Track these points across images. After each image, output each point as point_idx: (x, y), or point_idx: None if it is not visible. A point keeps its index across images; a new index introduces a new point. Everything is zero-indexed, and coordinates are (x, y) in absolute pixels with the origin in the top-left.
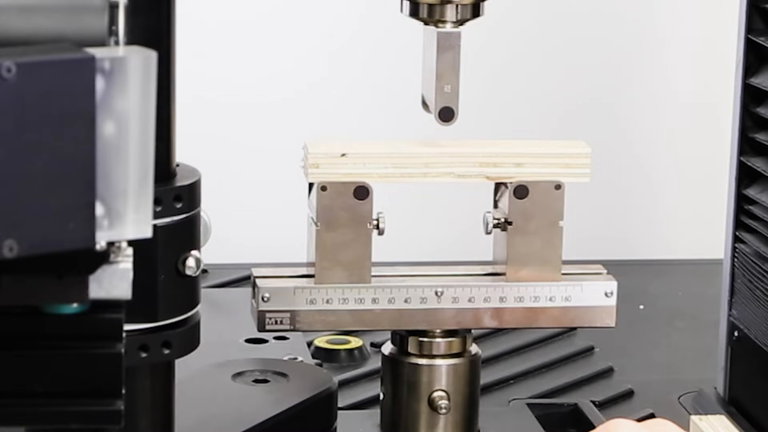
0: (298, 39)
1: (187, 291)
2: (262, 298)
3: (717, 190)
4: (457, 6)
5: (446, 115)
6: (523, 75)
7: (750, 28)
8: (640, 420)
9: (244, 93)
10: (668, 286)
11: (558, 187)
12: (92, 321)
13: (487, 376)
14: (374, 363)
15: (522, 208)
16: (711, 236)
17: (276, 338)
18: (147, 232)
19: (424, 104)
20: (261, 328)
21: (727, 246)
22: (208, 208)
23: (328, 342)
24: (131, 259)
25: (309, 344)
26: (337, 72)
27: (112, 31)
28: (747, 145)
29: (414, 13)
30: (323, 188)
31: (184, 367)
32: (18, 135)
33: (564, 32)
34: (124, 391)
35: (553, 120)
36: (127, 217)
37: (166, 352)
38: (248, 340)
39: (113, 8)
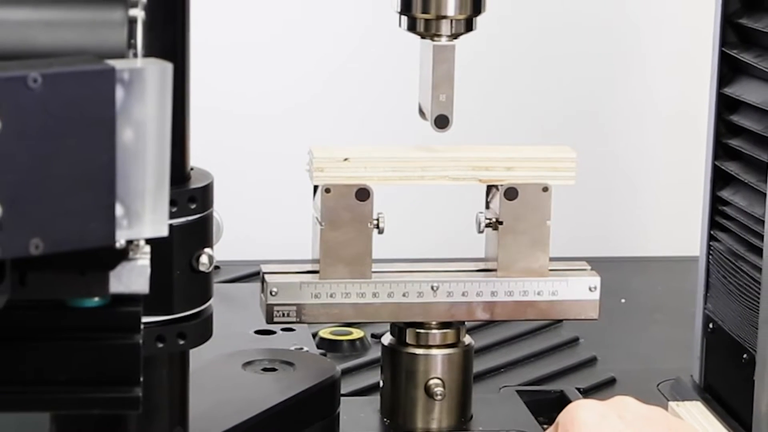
0: (304, 52)
1: (201, 286)
2: (270, 293)
3: (693, 192)
4: (451, 21)
5: (441, 122)
6: (514, 85)
7: (724, 42)
8: None
9: (255, 102)
10: (648, 282)
11: (545, 189)
12: (112, 314)
13: (479, 365)
14: (374, 353)
15: (512, 208)
16: (688, 235)
17: (283, 330)
18: (163, 231)
19: (421, 112)
20: (269, 320)
21: (703, 244)
22: (220, 208)
23: (331, 333)
24: (149, 256)
25: (314, 335)
26: (340, 82)
27: (131, 44)
28: (721, 150)
29: (411, 27)
30: (327, 190)
31: (197, 356)
32: (43, 141)
33: (552, 46)
34: (141, 379)
35: (542, 126)
36: (144, 217)
37: (181, 342)
38: (257, 332)
39: (132, 23)
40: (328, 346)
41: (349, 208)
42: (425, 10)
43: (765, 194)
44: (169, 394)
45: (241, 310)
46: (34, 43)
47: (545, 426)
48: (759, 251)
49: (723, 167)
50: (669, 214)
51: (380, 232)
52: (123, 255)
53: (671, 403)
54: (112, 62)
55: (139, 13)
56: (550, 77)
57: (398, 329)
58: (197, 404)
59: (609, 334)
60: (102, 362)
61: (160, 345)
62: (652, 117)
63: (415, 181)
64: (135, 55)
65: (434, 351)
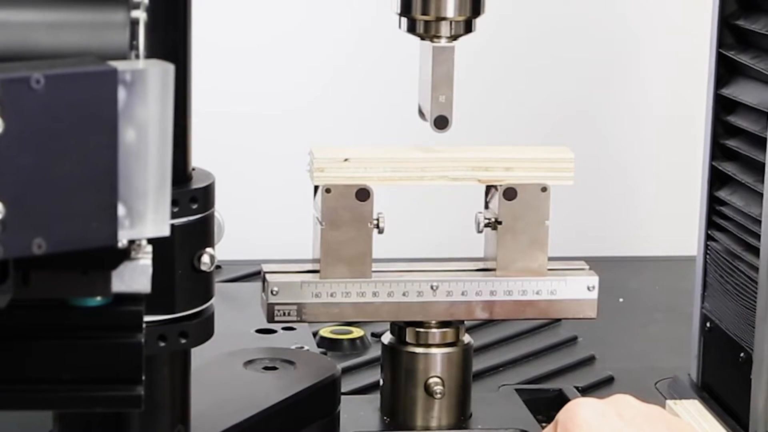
0: (305, 53)
1: (202, 285)
2: (271, 292)
3: (691, 193)
4: (450, 22)
5: (441, 123)
6: (513, 86)
7: (721, 43)
8: None
9: (256, 103)
10: (646, 281)
11: (544, 189)
12: (115, 313)
13: (478, 364)
14: (374, 351)
15: (511, 208)
16: (685, 235)
17: (284, 329)
18: (165, 231)
19: (421, 113)
20: (270, 319)
21: (700, 244)
22: (222, 208)
23: (332, 332)
24: (150, 255)
25: (314, 334)
26: (341, 83)
27: (133, 46)
28: (718, 150)
29: (411, 29)
30: (327, 190)
31: (199, 355)
32: (46, 141)
33: (551, 48)
34: (143, 378)
35: (540, 127)
36: (146, 217)
37: (183, 341)
38: (258, 331)
39: (134, 24)
40: (328, 345)
41: (349, 208)
42: (425, 12)
43: (762, 194)
44: (170, 393)
45: (243, 309)
46: (36, 45)
47: (544, 424)
48: (756, 251)
49: (720, 168)
50: (667, 214)
51: (380, 232)
52: (125, 255)
53: (669, 402)
54: (114, 63)
55: (141, 14)
56: (548, 79)
57: (398, 328)
58: (199, 402)
59: (607, 333)
60: (104, 361)
61: (162, 344)
62: (649, 118)
63: (414, 182)
64: (137, 57)
65: (434, 350)
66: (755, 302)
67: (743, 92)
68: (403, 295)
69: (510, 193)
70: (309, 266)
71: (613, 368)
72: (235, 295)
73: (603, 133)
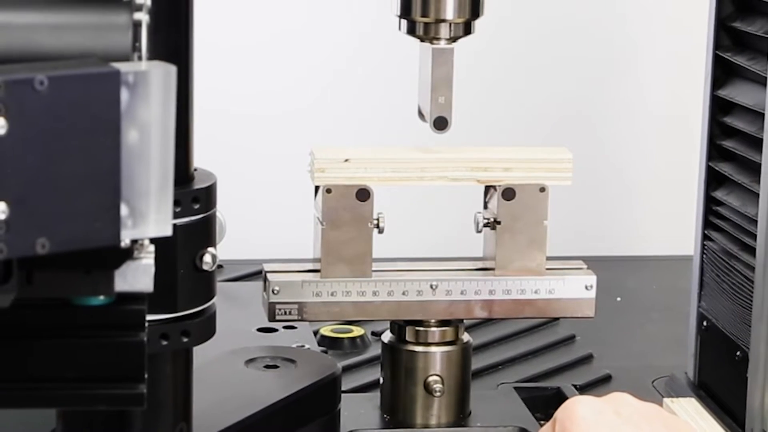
0: (306, 55)
1: (204, 284)
2: (273, 291)
3: (688, 193)
4: (450, 24)
5: (440, 124)
6: (512, 87)
7: (718, 45)
8: None
9: (257, 104)
10: (643, 280)
11: (542, 189)
12: (117, 312)
13: (477, 362)
14: (375, 350)
15: (509, 208)
16: (682, 234)
17: (285, 327)
18: (167, 231)
19: (421, 114)
20: (271, 318)
21: (697, 243)
22: (223, 208)
23: (332, 331)
24: (153, 255)
25: (315, 333)
26: (341, 85)
27: (136, 47)
28: (715, 151)
29: (411, 31)
30: (328, 191)
31: (201, 354)
32: (50, 142)
33: (549, 49)
34: (146, 376)
35: (539, 128)
36: (149, 217)
37: (185, 340)
38: (260, 329)
39: (136, 26)
40: (329, 343)
41: (349, 208)
42: (424, 14)
43: (758, 195)
44: (173, 391)
45: (244, 308)
46: (40, 47)
47: (542, 422)
48: (752, 250)
49: (717, 168)
50: (664, 214)
51: (380, 231)
52: (128, 254)
53: (666, 400)
54: (117, 65)
55: (143, 16)
56: (547, 80)
57: (398, 327)
58: (201, 401)
59: (605, 332)
60: (107, 359)
61: (165, 342)
62: (647, 119)
63: (414, 182)
64: (139, 58)
65: (433, 348)
66: (751, 301)
67: (739, 93)
68: (403, 294)
69: (509, 194)
70: (310, 266)
71: (611, 367)
72: (237, 294)
73: (601, 133)
